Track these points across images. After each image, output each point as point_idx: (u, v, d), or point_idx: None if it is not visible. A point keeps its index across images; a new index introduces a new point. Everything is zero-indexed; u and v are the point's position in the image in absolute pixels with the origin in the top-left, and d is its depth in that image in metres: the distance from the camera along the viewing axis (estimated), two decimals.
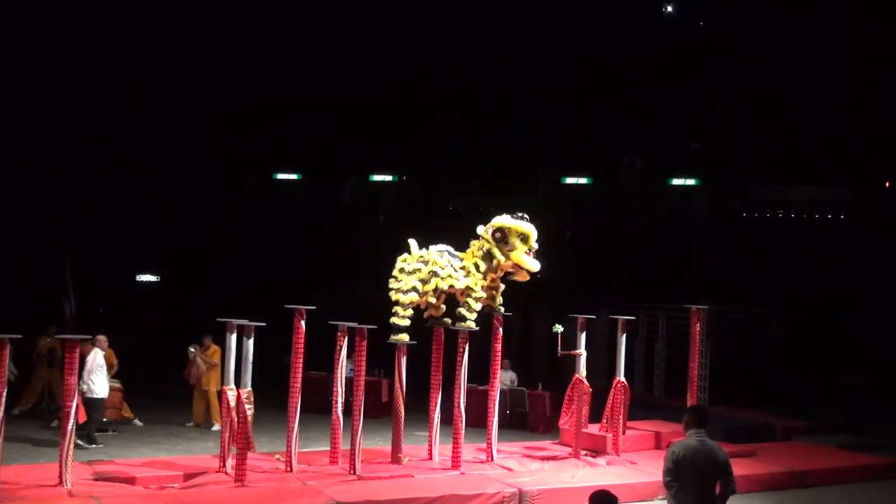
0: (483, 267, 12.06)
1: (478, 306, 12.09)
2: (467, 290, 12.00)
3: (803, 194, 29.10)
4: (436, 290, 11.99)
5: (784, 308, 24.74)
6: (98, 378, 14.01)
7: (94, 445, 13.73)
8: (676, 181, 30.85)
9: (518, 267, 12.11)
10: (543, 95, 32.16)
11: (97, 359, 14.13)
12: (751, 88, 31.58)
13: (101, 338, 14.43)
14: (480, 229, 12.28)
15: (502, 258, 12.02)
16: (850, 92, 31.52)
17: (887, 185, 29.07)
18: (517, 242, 12.04)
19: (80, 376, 13.06)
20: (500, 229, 12.08)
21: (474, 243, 12.28)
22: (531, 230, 12.13)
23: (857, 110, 30.94)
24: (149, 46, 29.03)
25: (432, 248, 12.20)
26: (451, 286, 11.97)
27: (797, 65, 30.60)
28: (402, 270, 12.06)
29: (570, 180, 31.68)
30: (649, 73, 32.60)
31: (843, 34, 32.40)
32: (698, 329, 14.22)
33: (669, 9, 35.22)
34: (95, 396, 13.95)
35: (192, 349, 15.96)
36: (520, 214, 12.27)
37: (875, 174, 29.20)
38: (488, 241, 12.08)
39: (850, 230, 27.88)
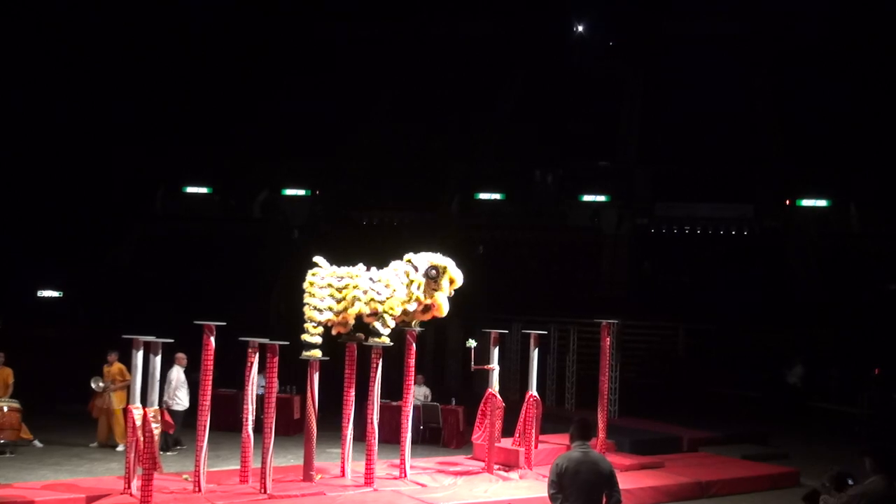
0: (405, 292, 11.93)
1: (392, 322, 12.01)
2: (387, 309, 11.84)
3: (708, 211, 29.99)
4: (358, 315, 11.79)
5: (689, 322, 25.43)
6: (181, 392, 15.05)
7: (169, 452, 14.35)
8: (587, 197, 31.36)
9: (433, 307, 12.10)
10: (457, 111, 32.39)
11: (180, 376, 15.06)
12: (656, 107, 32.46)
13: (181, 355, 14.96)
14: (417, 259, 12.15)
15: (423, 296, 11.97)
16: (753, 113, 32.69)
17: (787, 203, 30.19)
18: (444, 284, 12.05)
19: (166, 391, 14.62)
20: (436, 268, 12.02)
21: (399, 265, 12.12)
22: (460, 278, 12.16)
23: (758, 131, 32.11)
24: (54, 52, 28.23)
25: (355, 269, 11.97)
26: (374, 309, 11.81)
27: (700, 86, 31.62)
28: (312, 284, 11.88)
29: (483, 196, 31.85)
30: (560, 91, 33.17)
31: (745, 56, 33.61)
32: (608, 343, 14.51)
33: (580, 29, 36.06)
34: (178, 409, 14.96)
35: (98, 384, 15.30)
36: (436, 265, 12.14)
37: (776, 193, 30.31)
38: (418, 274, 11.98)
39: (752, 246, 28.84)
